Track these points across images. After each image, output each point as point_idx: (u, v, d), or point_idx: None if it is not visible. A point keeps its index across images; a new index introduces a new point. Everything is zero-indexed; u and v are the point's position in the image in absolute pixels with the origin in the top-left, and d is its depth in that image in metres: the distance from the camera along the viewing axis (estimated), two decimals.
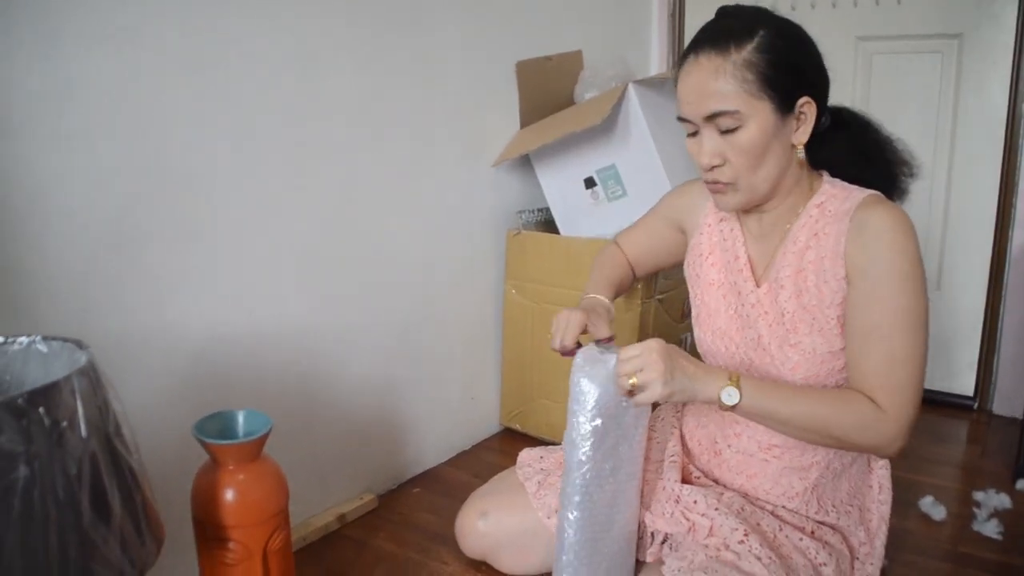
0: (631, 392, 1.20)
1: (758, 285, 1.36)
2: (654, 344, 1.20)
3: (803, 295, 1.29)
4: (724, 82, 1.19)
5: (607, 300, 1.54)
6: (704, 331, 1.45)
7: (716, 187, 1.28)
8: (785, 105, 1.21)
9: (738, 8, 1.27)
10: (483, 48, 2.24)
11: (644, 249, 1.67)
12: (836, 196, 1.29)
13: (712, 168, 1.25)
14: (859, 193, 1.27)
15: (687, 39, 3.08)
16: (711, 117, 1.21)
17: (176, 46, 1.50)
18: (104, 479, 0.93)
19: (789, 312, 1.30)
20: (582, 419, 1.30)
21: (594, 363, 1.31)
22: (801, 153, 1.28)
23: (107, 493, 0.93)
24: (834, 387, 1.27)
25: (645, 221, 1.66)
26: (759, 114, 1.20)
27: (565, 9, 2.57)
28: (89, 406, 0.92)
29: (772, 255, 1.35)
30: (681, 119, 1.27)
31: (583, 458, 1.31)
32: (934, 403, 2.71)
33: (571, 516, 1.34)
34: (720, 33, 1.22)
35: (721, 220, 1.45)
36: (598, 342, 1.40)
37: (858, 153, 1.37)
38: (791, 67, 1.21)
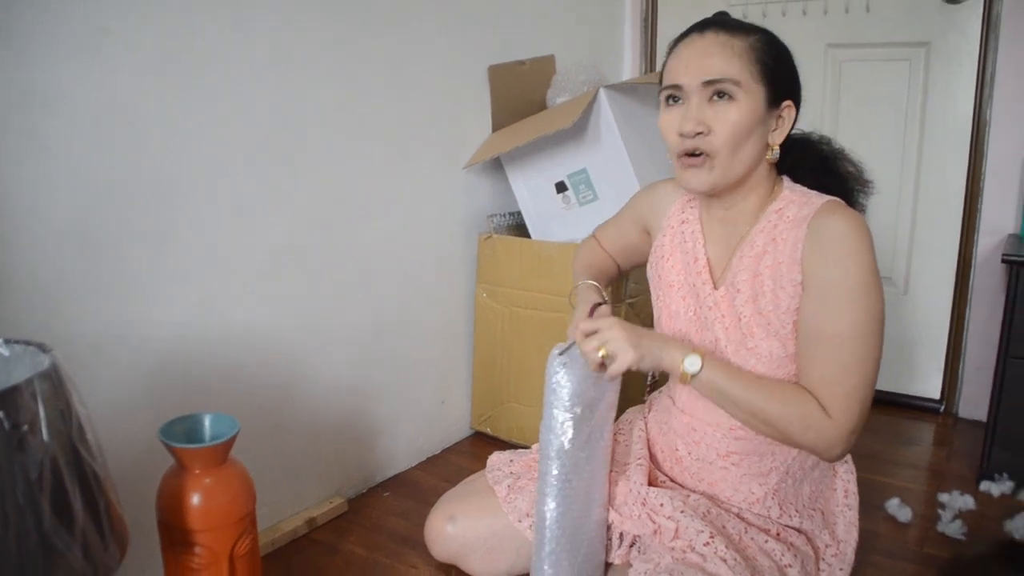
0: (603, 365, 1.26)
1: (716, 288, 1.37)
2: (612, 319, 1.27)
3: (759, 300, 1.30)
4: (733, 54, 1.23)
5: (594, 283, 1.56)
6: (665, 333, 1.46)
7: (692, 160, 1.27)
8: (774, 100, 1.26)
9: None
10: (457, 52, 2.25)
11: (618, 247, 1.69)
12: (795, 202, 1.30)
13: (695, 135, 1.25)
14: (817, 199, 1.28)
15: (660, 45, 3.11)
16: (710, 83, 1.23)
17: (149, 50, 1.49)
18: (66, 483, 0.92)
19: (746, 316, 1.31)
20: (558, 410, 1.33)
21: (568, 356, 1.34)
22: (773, 155, 1.30)
23: (69, 498, 0.92)
24: (790, 383, 1.29)
25: (617, 220, 1.68)
26: (754, 96, 1.23)
27: (538, 14, 2.58)
28: (51, 410, 0.92)
29: (730, 258, 1.36)
30: (669, 87, 1.28)
31: (565, 447, 1.33)
32: (901, 406, 2.74)
33: (552, 504, 1.35)
34: (725, 22, 1.28)
35: (683, 222, 1.46)
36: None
37: (818, 161, 1.40)
38: (785, 68, 1.28)
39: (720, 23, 1.27)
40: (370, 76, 1.97)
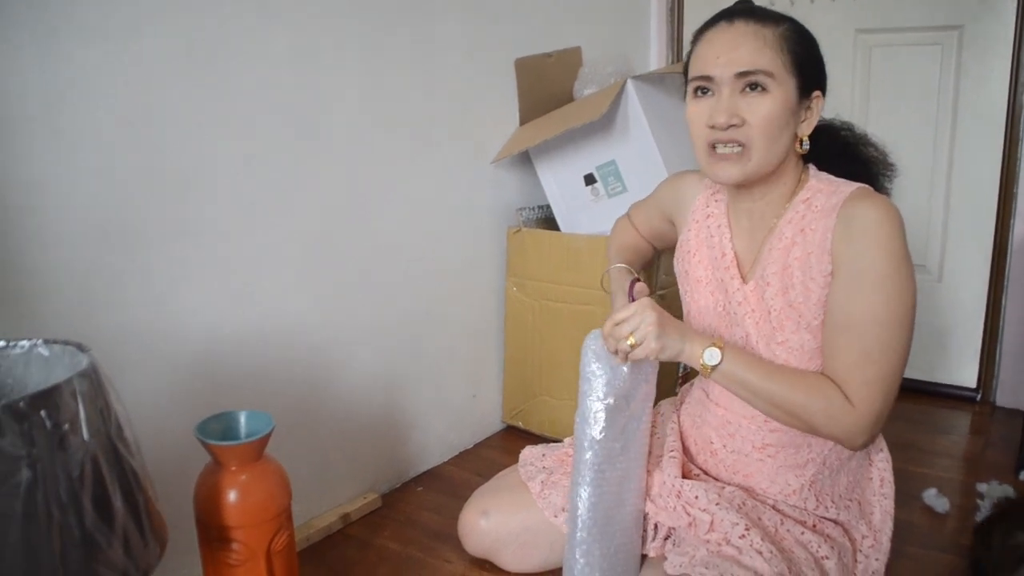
0: (626, 352, 1.26)
1: (745, 282, 1.36)
2: (646, 301, 1.26)
3: (789, 292, 1.28)
4: (765, 44, 1.21)
5: (626, 266, 1.57)
6: (692, 327, 1.45)
7: (722, 154, 1.25)
8: (804, 91, 1.24)
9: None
10: (483, 45, 2.24)
11: (648, 230, 1.69)
12: (822, 191, 1.28)
13: (728, 127, 1.23)
14: (846, 187, 1.26)
15: (686, 34, 3.09)
16: (744, 74, 1.21)
17: (175, 44, 1.50)
18: (106, 481, 0.93)
19: (776, 310, 1.30)
20: (593, 399, 1.34)
21: (602, 346, 1.34)
22: (805, 144, 1.28)
23: (109, 495, 0.93)
24: (814, 373, 1.27)
25: (646, 205, 1.68)
26: (786, 87, 1.22)
27: (564, 6, 2.57)
28: (91, 408, 0.93)
29: (758, 251, 1.35)
30: (699, 78, 1.26)
31: (596, 436, 1.34)
32: (936, 395, 2.71)
33: (584, 494, 1.35)
34: (754, 10, 1.26)
35: (708, 216, 1.45)
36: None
37: (842, 148, 1.38)
38: (815, 58, 1.26)
39: (748, 11, 1.25)
40: (395, 71, 1.97)
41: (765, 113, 1.21)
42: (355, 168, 1.90)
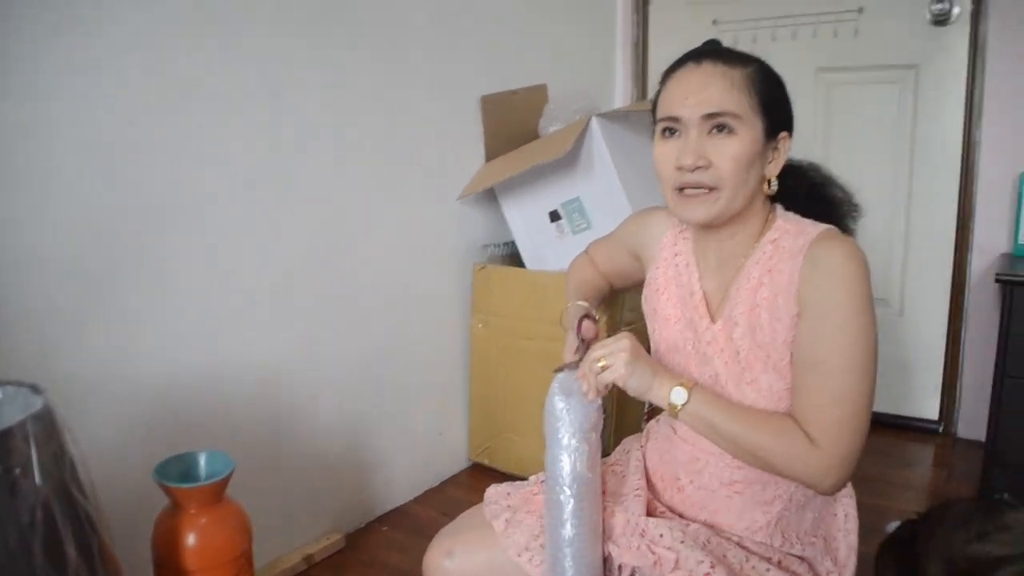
0: (596, 374, 1.25)
1: (713, 321, 1.35)
2: (624, 335, 1.25)
3: (757, 333, 1.28)
4: (732, 86, 1.20)
5: (585, 304, 1.54)
6: (663, 365, 1.45)
7: (690, 195, 1.25)
8: (771, 132, 1.24)
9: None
10: (449, 82, 2.26)
11: (610, 267, 1.66)
12: (789, 232, 1.28)
13: (695, 169, 1.22)
14: (813, 228, 1.26)
15: (651, 72, 3.13)
16: (711, 115, 1.20)
17: (147, 82, 1.50)
18: (59, 526, 0.91)
19: (744, 350, 1.29)
20: (567, 434, 1.32)
21: (569, 385, 1.33)
22: (773, 185, 1.28)
23: (62, 541, 0.91)
24: (783, 415, 1.26)
25: (608, 242, 1.66)
26: (753, 129, 1.21)
27: (531, 43, 2.59)
28: (44, 452, 0.91)
29: (726, 291, 1.35)
30: (666, 119, 1.25)
31: (577, 469, 1.32)
32: (899, 427, 2.73)
33: (569, 533, 1.33)
34: (721, 51, 1.26)
35: (676, 255, 1.44)
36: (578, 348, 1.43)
37: (808, 188, 1.38)
38: (782, 100, 1.26)
39: (716, 52, 1.25)
40: (362, 109, 1.98)
41: (732, 154, 1.20)
42: (322, 207, 1.90)
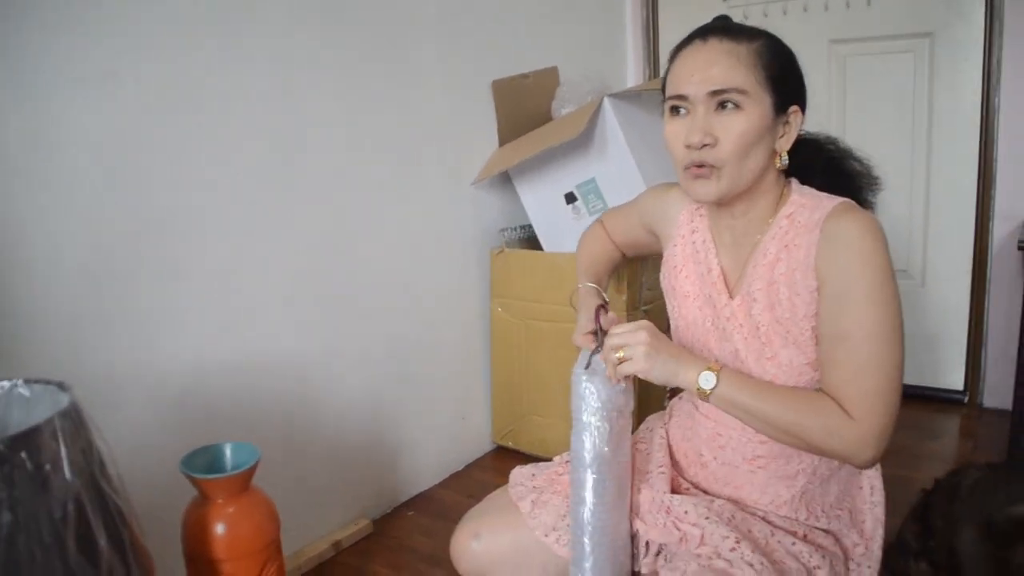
0: (615, 365, 1.24)
1: (731, 297, 1.35)
2: (644, 323, 1.23)
3: (776, 308, 1.28)
4: (738, 62, 1.20)
5: (595, 286, 1.55)
6: (684, 343, 1.43)
7: (700, 171, 1.25)
8: (781, 106, 1.23)
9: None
10: (460, 68, 2.25)
11: (625, 239, 1.67)
12: (805, 206, 1.27)
13: (702, 147, 1.22)
14: (828, 202, 1.25)
15: (662, 51, 3.11)
16: (717, 92, 1.20)
17: (154, 84, 1.51)
18: (90, 520, 0.92)
19: (764, 325, 1.29)
20: (589, 415, 1.32)
21: (591, 365, 1.33)
22: (782, 162, 1.28)
23: (94, 534, 0.93)
24: (813, 391, 1.26)
25: (625, 214, 1.66)
26: (760, 104, 1.21)
27: (540, 27, 2.58)
28: (72, 448, 0.92)
29: (743, 267, 1.34)
30: (675, 97, 1.25)
31: (600, 450, 1.32)
32: (925, 399, 2.72)
33: (589, 513, 1.34)
34: (728, 27, 1.25)
35: (693, 232, 1.44)
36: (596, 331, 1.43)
37: (826, 162, 1.37)
38: (791, 73, 1.25)
39: (723, 29, 1.24)
40: (373, 98, 1.98)
41: (739, 131, 1.20)
42: (337, 198, 1.90)
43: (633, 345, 1.22)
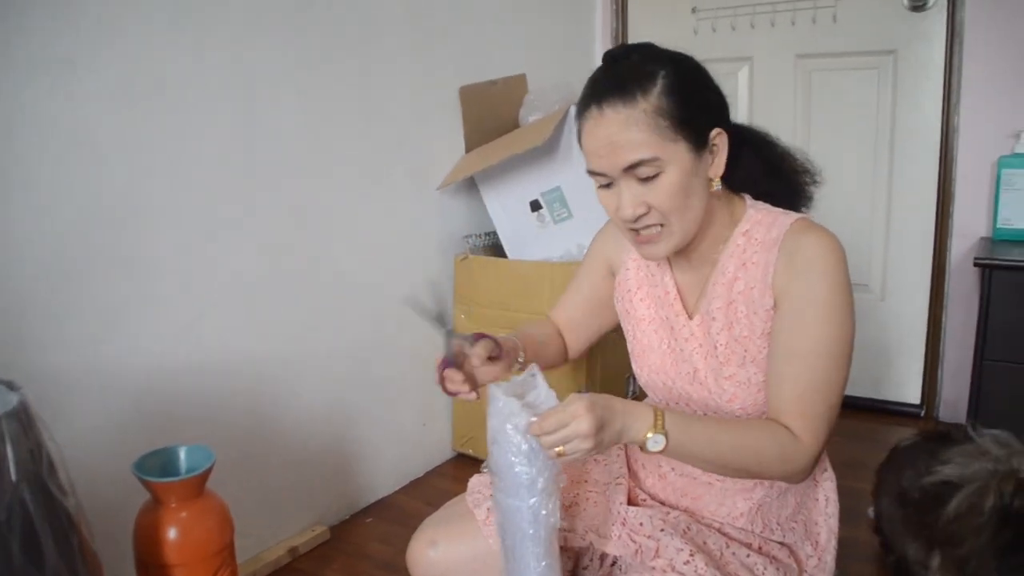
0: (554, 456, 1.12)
1: (690, 317, 1.35)
2: (578, 409, 1.08)
3: (734, 327, 1.28)
4: (638, 131, 1.16)
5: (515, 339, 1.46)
6: (640, 367, 1.44)
7: (645, 237, 1.24)
8: (699, 142, 1.20)
9: (627, 50, 1.24)
10: (427, 73, 2.25)
11: (581, 309, 1.57)
12: (761, 223, 1.27)
13: (638, 218, 1.21)
14: (785, 218, 1.25)
15: None
16: (630, 168, 1.17)
17: (112, 75, 1.49)
18: (36, 524, 0.91)
19: (722, 345, 1.29)
20: (515, 459, 1.18)
21: (513, 405, 1.19)
22: (717, 185, 1.25)
23: (39, 538, 0.91)
24: (755, 419, 1.25)
25: (575, 280, 1.59)
26: (677, 156, 1.18)
27: (509, 34, 2.59)
28: (20, 449, 0.91)
29: (703, 286, 1.34)
30: (593, 172, 1.23)
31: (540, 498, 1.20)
32: (882, 412, 2.76)
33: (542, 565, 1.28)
34: (620, 81, 1.19)
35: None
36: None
37: (765, 165, 1.35)
38: (698, 104, 1.21)
39: (613, 88, 1.18)
40: (338, 99, 1.97)
41: (667, 193, 1.18)
42: (299, 199, 1.89)
43: (575, 440, 1.08)
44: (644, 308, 1.42)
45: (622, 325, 1.49)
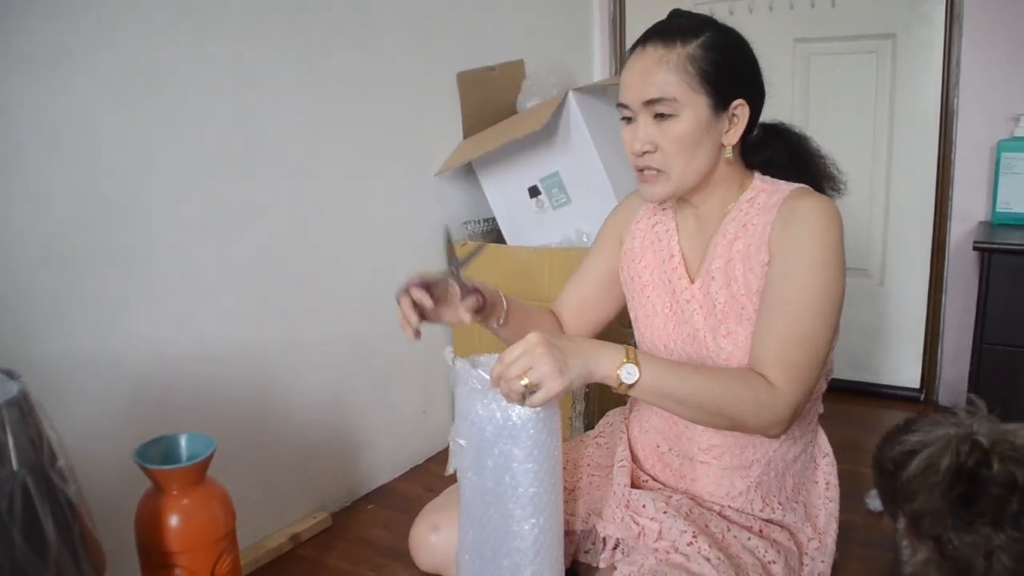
0: (523, 395, 1.10)
1: (692, 281, 1.38)
2: (534, 338, 1.10)
3: (732, 285, 1.31)
4: (667, 71, 1.23)
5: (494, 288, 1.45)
6: (643, 333, 1.46)
7: (646, 176, 1.30)
8: (720, 103, 1.26)
9: (688, 12, 1.33)
10: (424, 59, 2.24)
11: (593, 285, 1.57)
12: (765, 190, 1.32)
13: (643, 154, 1.28)
14: (787, 186, 1.31)
15: (629, 45, 3.12)
16: (649, 103, 1.24)
17: (110, 66, 1.49)
18: (38, 511, 0.91)
19: (720, 303, 1.32)
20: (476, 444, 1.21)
21: (472, 382, 1.22)
22: (729, 153, 1.31)
23: (42, 526, 0.91)
24: (729, 367, 1.28)
25: (585, 262, 1.59)
26: (695, 106, 1.24)
27: (507, 19, 2.58)
28: (20, 437, 0.91)
29: (705, 249, 1.38)
30: (620, 105, 1.30)
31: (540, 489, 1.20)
32: (881, 396, 2.76)
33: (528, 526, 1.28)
34: (669, 29, 1.27)
35: (655, 224, 1.47)
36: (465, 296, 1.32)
37: (793, 158, 1.41)
38: (730, 68, 1.26)
39: (660, 33, 1.27)
40: (335, 86, 1.97)
41: (675, 137, 1.25)
42: (298, 186, 1.89)
43: (536, 367, 1.08)
44: (648, 273, 1.46)
45: (626, 295, 1.51)
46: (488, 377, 1.18)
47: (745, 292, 1.29)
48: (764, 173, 1.38)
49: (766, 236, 1.27)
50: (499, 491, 1.21)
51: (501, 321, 1.45)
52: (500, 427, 1.18)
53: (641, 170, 1.31)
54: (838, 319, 1.25)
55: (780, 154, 1.41)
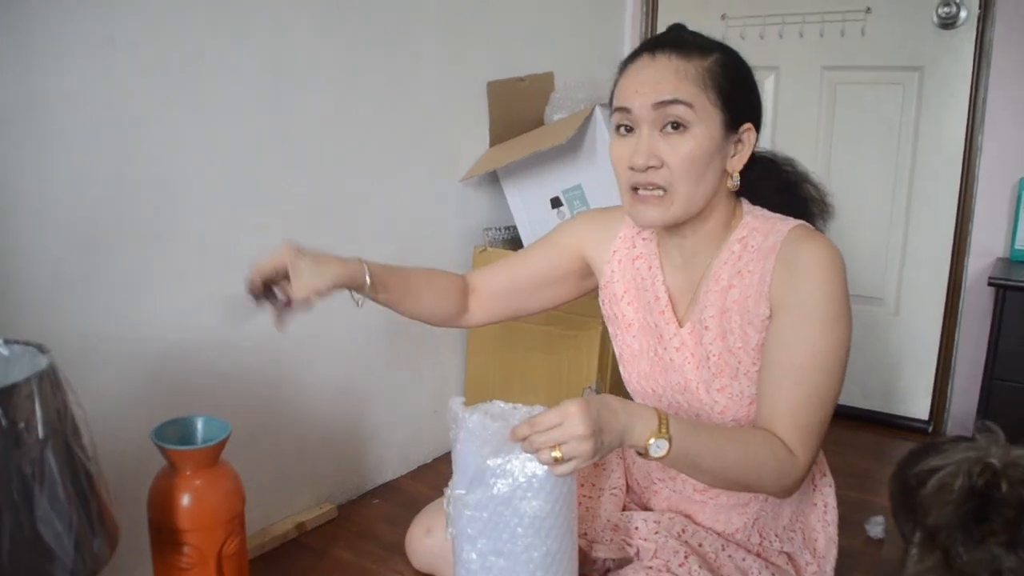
0: (549, 463, 1.02)
1: (680, 325, 1.31)
2: (573, 408, 1.00)
3: (728, 337, 1.24)
4: (685, 80, 1.15)
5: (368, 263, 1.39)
6: (630, 373, 1.41)
7: (642, 196, 1.19)
8: (732, 124, 1.19)
9: (692, 31, 1.26)
10: (456, 68, 2.28)
11: (527, 280, 1.48)
12: (758, 230, 1.24)
13: (647, 169, 1.16)
14: (783, 225, 1.22)
15: None
16: (662, 105, 1.14)
17: (149, 54, 1.53)
18: (59, 480, 0.95)
19: (715, 355, 1.25)
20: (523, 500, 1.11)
21: (487, 435, 1.13)
22: (733, 183, 1.23)
23: (62, 494, 0.95)
24: (755, 431, 1.18)
25: (529, 250, 1.51)
26: (709, 122, 1.15)
27: (538, 32, 2.61)
28: (48, 409, 0.94)
29: (694, 291, 1.30)
30: (620, 111, 1.20)
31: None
32: (890, 426, 2.76)
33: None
34: (683, 41, 1.19)
35: (636, 258, 1.38)
36: None
37: (781, 184, 1.34)
38: (743, 92, 1.21)
39: (673, 43, 1.18)
40: (368, 88, 2.00)
41: (685, 153, 1.15)
42: (323, 182, 1.92)
43: (571, 445, 1.00)
44: (632, 313, 1.38)
45: (609, 330, 1.46)
46: (503, 430, 1.10)
47: (743, 346, 1.22)
48: (752, 200, 1.30)
49: (765, 287, 1.18)
50: (514, 553, 1.13)
51: (367, 295, 1.39)
52: (516, 485, 1.10)
53: (636, 189, 1.19)
54: (844, 371, 1.18)
55: (767, 178, 1.33)
